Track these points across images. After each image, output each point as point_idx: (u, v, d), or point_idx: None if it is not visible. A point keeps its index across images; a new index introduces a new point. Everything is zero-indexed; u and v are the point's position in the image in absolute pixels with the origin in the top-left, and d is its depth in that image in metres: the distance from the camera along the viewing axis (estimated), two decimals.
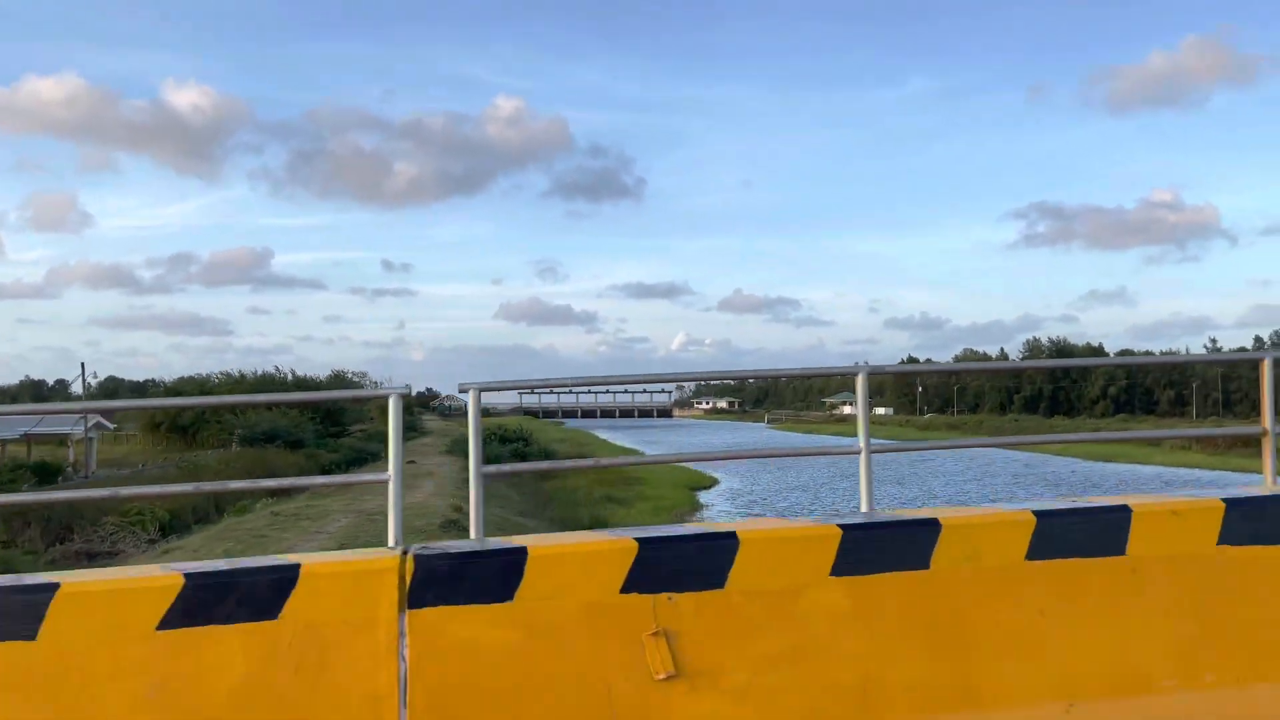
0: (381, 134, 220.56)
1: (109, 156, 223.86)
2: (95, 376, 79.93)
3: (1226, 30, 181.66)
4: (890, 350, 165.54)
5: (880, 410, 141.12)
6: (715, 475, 44.62)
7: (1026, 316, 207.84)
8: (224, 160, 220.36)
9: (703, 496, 40.46)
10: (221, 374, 75.15)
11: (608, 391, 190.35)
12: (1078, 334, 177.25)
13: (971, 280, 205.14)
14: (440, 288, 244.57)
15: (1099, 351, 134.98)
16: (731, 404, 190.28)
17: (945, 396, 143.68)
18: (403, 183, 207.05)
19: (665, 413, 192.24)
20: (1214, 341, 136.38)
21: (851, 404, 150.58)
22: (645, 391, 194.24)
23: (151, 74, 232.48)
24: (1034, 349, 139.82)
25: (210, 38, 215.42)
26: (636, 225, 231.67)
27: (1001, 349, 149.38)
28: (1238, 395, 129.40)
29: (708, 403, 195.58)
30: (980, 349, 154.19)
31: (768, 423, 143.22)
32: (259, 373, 75.41)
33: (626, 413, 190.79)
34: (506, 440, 55.27)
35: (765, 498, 39.25)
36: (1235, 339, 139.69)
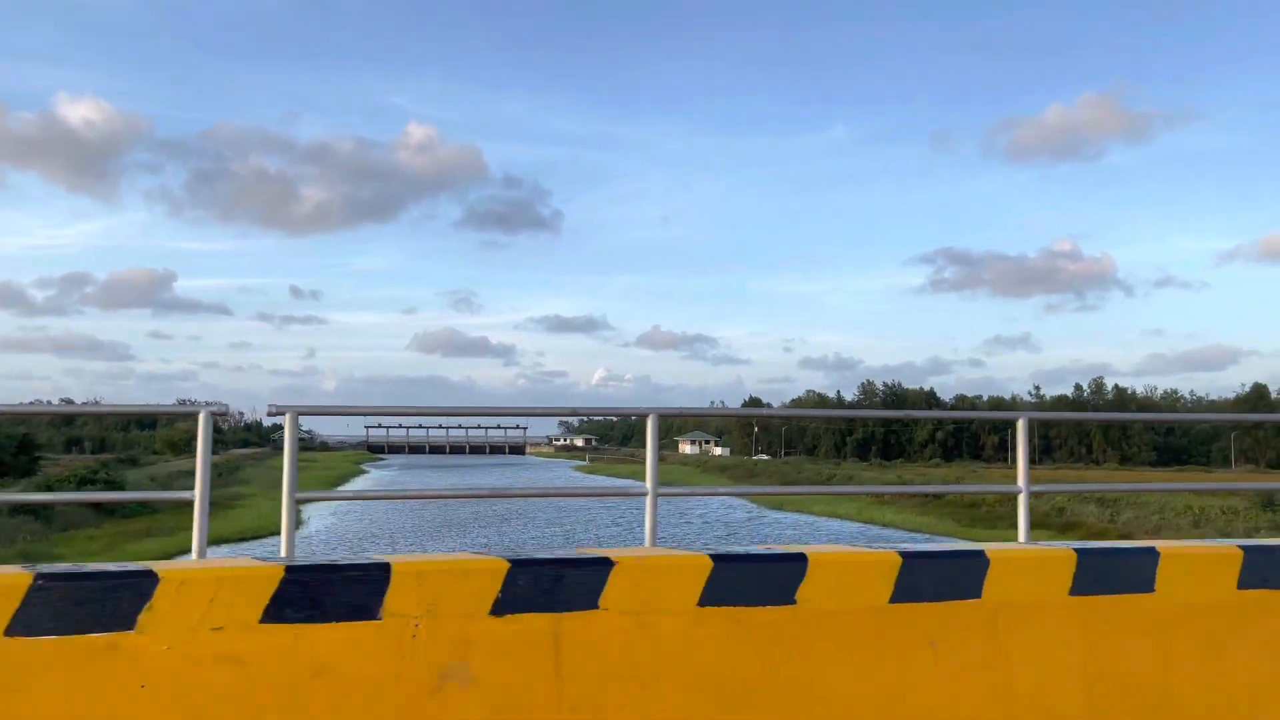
0: (285, 156, 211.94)
1: None
2: None
3: (1121, 88, 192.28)
4: (804, 390, 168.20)
5: (718, 451, 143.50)
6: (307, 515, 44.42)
7: (935, 359, 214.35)
8: (120, 179, 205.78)
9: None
10: None
11: (459, 427, 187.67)
12: (984, 378, 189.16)
13: (883, 322, 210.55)
14: (352, 316, 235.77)
15: (931, 397, 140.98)
16: (588, 441, 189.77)
17: (787, 438, 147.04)
18: (310, 208, 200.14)
19: (518, 449, 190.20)
20: (1089, 386, 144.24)
21: (694, 442, 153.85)
22: (500, 427, 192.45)
23: (46, 88, 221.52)
24: (868, 392, 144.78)
25: (111, 54, 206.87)
26: (555, 258, 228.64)
27: (838, 392, 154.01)
28: (1057, 441, 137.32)
29: (564, 439, 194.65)
30: (847, 391, 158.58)
31: (588, 460, 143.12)
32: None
33: (477, 449, 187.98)
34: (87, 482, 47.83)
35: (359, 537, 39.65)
36: (1133, 385, 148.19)
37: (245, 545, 34.23)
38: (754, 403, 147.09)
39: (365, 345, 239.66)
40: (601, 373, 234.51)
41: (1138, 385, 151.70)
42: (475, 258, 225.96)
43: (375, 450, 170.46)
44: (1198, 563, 4.50)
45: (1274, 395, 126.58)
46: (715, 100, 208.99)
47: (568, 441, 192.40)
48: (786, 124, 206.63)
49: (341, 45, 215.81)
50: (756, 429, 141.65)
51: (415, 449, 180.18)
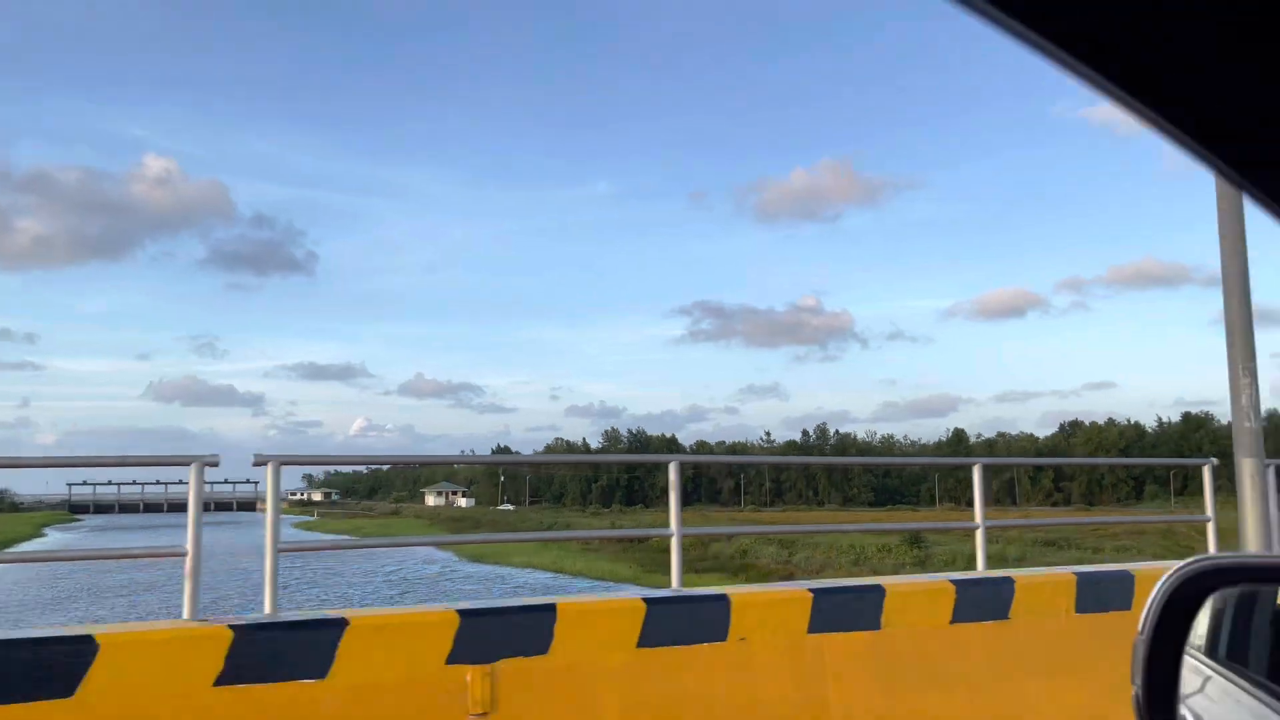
0: None
1: None
2: None
3: (856, 156, 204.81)
4: (572, 437, 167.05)
5: (463, 501, 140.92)
6: None
7: (695, 407, 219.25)
8: None
9: None
10: None
11: (180, 482, 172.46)
12: (739, 425, 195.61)
13: (645, 371, 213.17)
14: (76, 363, 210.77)
15: (673, 442, 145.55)
16: (327, 495, 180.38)
17: (534, 486, 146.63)
18: (26, 241, 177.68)
19: (248, 505, 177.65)
20: (814, 431, 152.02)
21: (441, 493, 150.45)
22: (227, 482, 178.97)
23: None
24: (612, 439, 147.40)
25: None
26: (310, 303, 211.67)
27: (584, 439, 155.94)
28: (787, 484, 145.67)
29: (302, 493, 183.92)
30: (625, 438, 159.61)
31: (315, 516, 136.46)
32: None
33: (213, 506, 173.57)
34: None
35: None
36: (870, 430, 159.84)
37: None
38: (504, 451, 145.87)
39: (91, 394, 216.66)
40: (361, 422, 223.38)
41: (876, 430, 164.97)
42: (221, 301, 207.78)
43: (78, 510, 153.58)
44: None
45: (973, 440, 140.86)
46: (482, 151, 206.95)
47: (305, 496, 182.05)
48: (551, 177, 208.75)
49: (67, 69, 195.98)
50: (504, 478, 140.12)
51: (127, 508, 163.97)
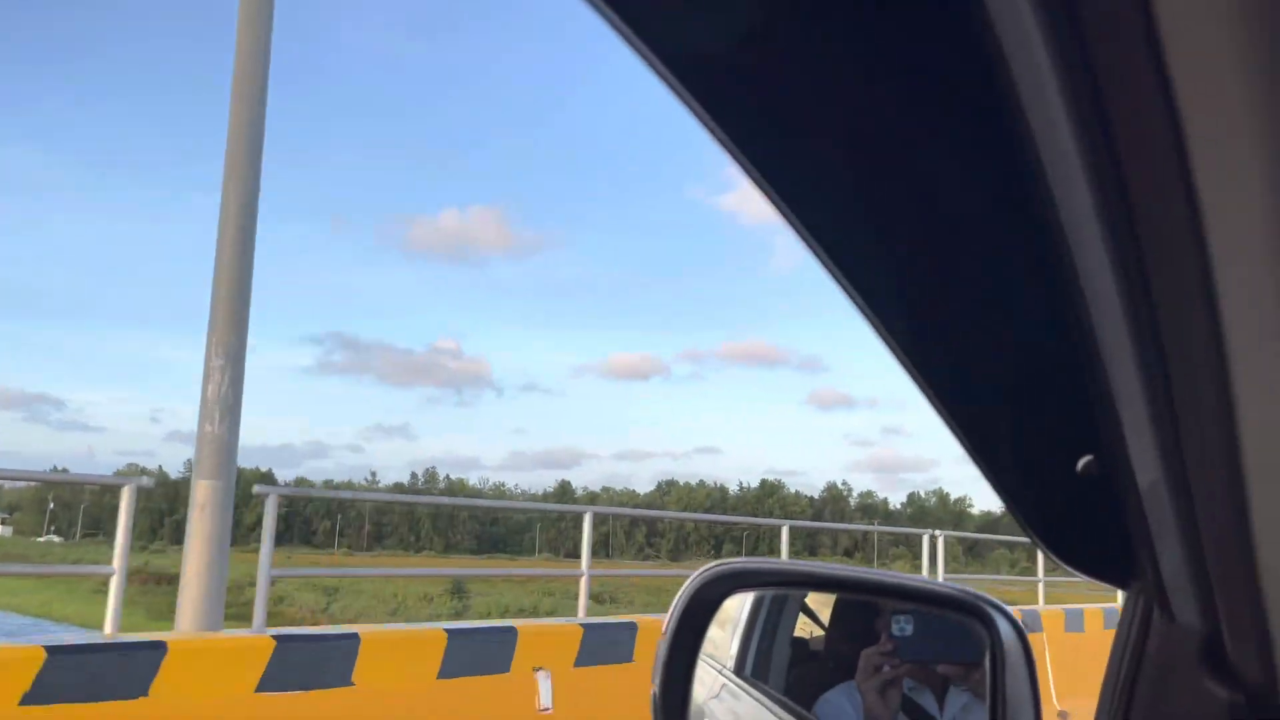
0: None
1: None
2: None
3: (506, 206, 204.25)
4: (172, 464, 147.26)
5: (2, 530, 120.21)
6: None
7: (317, 443, 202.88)
8: None
9: None
10: None
11: None
12: (363, 463, 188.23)
13: (268, 400, 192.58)
14: None
15: (269, 476, 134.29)
16: None
17: (93, 514, 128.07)
18: None
19: None
20: (423, 475, 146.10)
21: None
22: None
23: None
24: (161, 480, 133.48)
25: None
26: None
27: (183, 468, 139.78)
28: (389, 529, 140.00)
29: None
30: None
31: None
32: None
33: None
34: None
35: None
36: (497, 478, 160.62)
37: None
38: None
39: None
40: None
41: (501, 478, 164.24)
42: None
43: None
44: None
45: (579, 493, 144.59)
46: (102, 138, 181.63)
47: None
48: (166, 178, 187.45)
49: None
50: (52, 505, 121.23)
51: None
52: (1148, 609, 0.71)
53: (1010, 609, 1.05)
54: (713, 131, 0.45)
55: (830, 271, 0.54)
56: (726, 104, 0.46)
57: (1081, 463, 0.65)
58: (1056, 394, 0.64)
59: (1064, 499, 0.68)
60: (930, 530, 10.48)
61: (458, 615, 38.69)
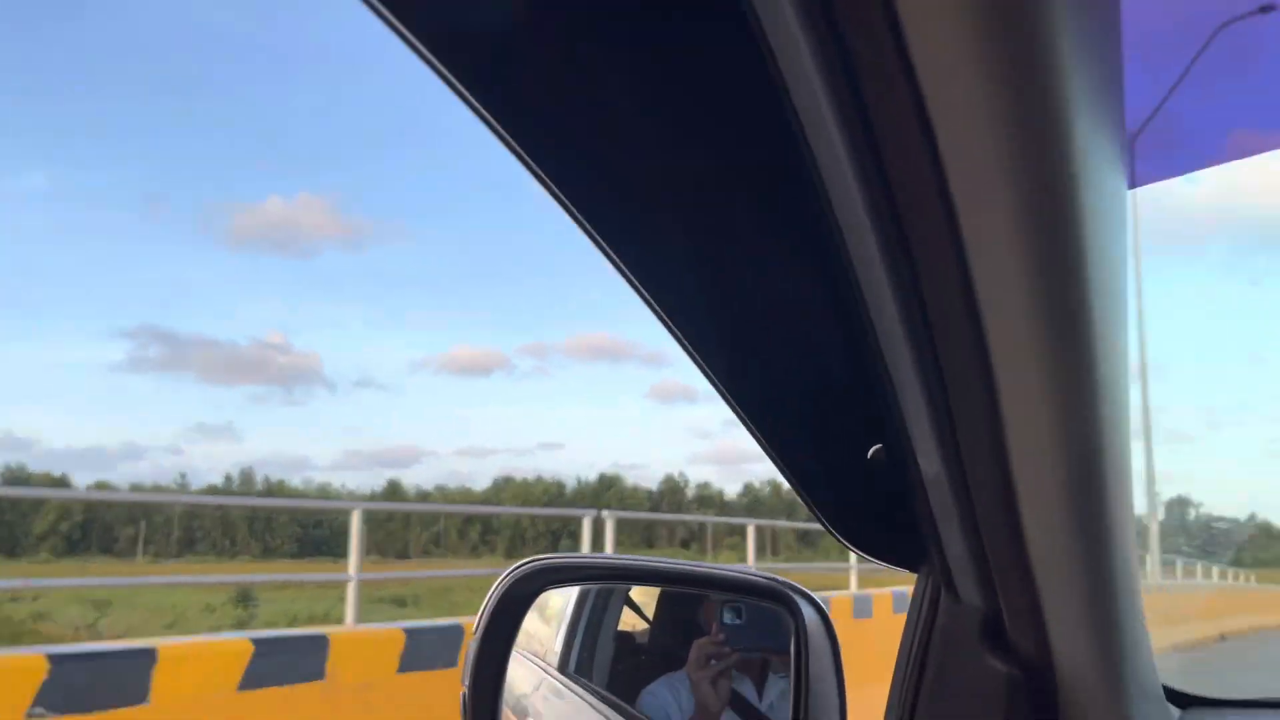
0: None
1: None
2: None
3: (338, 195, 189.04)
4: None
5: None
6: None
7: (131, 444, 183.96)
8: None
9: None
10: None
11: None
12: (185, 465, 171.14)
13: (75, 399, 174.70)
14: None
15: (63, 480, 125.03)
16: None
17: None
18: None
19: None
20: (239, 477, 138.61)
21: None
22: None
23: None
24: (9, 478, 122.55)
25: None
26: None
27: None
28: (200, 534, 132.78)
29: None
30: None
31: None
32: None
33: None
34: None
35: None
36: (330, 479, 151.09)
37: None
38: None
39: None
40: None
41: (336, 479, 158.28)
42: None
43: None
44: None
45: (411, 493, 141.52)
46: None
47: None
48: None
49: None
50: None
51: None
52: (936, 590, 0.74)
53: (815, 595, 1.08)
54: (491, 126, 0.45)
55: (619, 269, 0.56)
56: (500, 96, 0.46)
57: (871, 451, 0.68)
58: (847, 387, 0.66)
59: (855, 488, 0.70)
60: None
61: (241, 625, 37.37)
